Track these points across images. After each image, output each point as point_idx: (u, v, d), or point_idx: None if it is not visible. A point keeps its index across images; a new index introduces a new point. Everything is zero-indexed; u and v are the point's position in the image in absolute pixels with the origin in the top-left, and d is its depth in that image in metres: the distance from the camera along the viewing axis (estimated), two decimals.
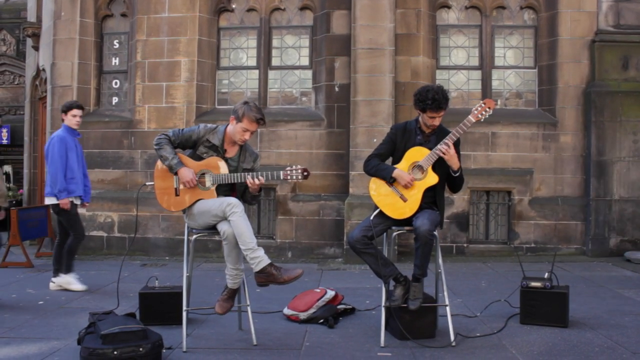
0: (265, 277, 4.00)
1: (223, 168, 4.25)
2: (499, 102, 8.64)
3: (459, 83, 8.81)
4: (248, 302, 4.36)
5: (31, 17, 10.96)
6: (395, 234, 4.54)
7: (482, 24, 8.78)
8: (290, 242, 8.51)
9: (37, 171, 10.65)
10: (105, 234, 8.82)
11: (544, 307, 4.64)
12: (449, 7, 8.81)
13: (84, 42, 9.09)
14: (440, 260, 4.37)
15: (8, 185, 11.62)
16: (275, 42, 8.96)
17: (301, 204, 8.51)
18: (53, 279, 6.25)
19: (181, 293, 4.40)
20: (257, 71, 8.95)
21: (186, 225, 4.39)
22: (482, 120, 4.36)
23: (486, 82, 8.75)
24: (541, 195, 8.46)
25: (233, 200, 4.09)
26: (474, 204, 8.64)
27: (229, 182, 4.23)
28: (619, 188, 8.28)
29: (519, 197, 8.45)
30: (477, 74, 8.79)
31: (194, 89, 8.73)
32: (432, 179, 4.28)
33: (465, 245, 8.46)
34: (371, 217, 4.31)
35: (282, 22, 8.99)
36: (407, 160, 4.32)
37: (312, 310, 4.87)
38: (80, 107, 6.32)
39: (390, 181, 4.30)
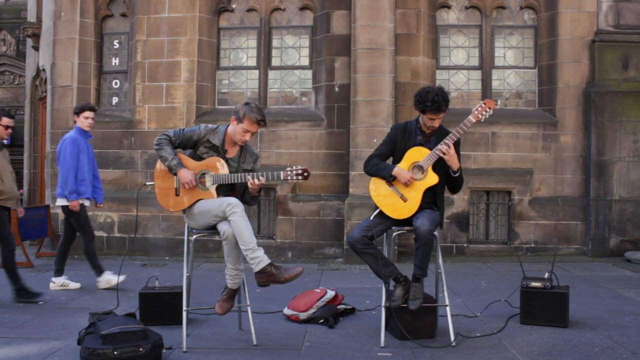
0: (265, 277, 4.00)
1: (223, 168, 4.25)
2: (499, 102, 8.64)
3: (459, 83, 8.81)
4: (248, 302, 4.36)
5: (31, 17, 10.97)
6: (395, 234, 4.54)
7: (482, 24, 8.78)
8: (291, 242, 8.51)
9: (37, 171, 10.67)
10: (105, 234, 8.82)
11: (544, 307, 4.64)
12: (449, 7, 8.81)
13: (84, 42, 9.09)
14: (440, 261, 4.37)
15: None
16: (275, 42, 8.97)
17: (301, 204, 8.51)
18: (53, 279, 6.26)
19: (181, 293, 4.40)
20: (257, 71, 8.95)
21: (186, 225, 4.39)
22: (482, 120, 4.36)
23: (486, 82, 8.75)
24: (541, 195, 8.46)
25: (233, 200, 4.09)
26: (474, 204, 8.64)
27: (229, 182, 4.23)
28: (619, 188, 8.28)
29: (519, 197, 8.45)
30: (477, 74, 8.79)
31: (194, 89, 8.73)
32: (432, 179, 4.29)
33: (465, 245, 8.46)
34: (371, 217, 4.31)
35: (282, 22, 8.99)
36: (407, 160, 4.32)
37: (312, 311, 4.87)
38: (92, 109, 6.37)
39: (390, 180, 4.30)
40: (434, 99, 4.15)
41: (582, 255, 8.29)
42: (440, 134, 4.35)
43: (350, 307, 5.17)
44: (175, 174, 4.24)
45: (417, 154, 4.30)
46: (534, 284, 4.69)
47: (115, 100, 9.29)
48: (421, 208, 4.27)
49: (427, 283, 4.43)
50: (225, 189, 4.32)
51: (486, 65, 8.76)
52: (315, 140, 8.57)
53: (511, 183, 8.47)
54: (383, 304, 4.33)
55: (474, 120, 4.29)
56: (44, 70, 9.86)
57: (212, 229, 4.22)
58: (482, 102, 4.37)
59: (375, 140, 7.70)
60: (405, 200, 4.27)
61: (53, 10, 9.16)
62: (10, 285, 5.66)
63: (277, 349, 4.18)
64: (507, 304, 5.23)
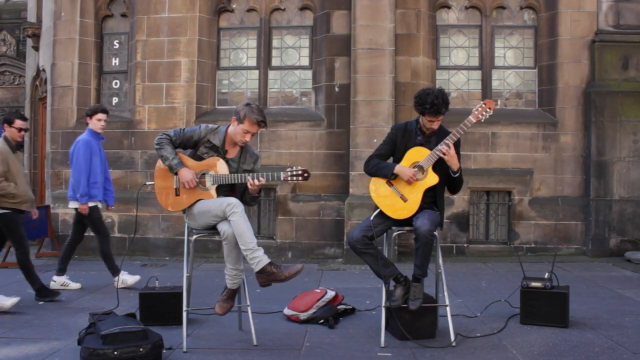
0: (266, 277, 4.01)
1: (223, 168, 4.25)
2: (499, 102, 8.64)
3: (459, 83, 8.81)
4: (248, 303, 4.36)
5: (31, 17, 10.97)
6: (395, 234, 4.55)
7: (482, 24, 8.78)
8: (291, 242, 8.51)
9: (37, 171, 10.65)
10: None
11: (544, 307, 4.64)
12: (449, 7, 8.81)
13: (84, 43, 9.09)
14: (440, 261, 4.37)
15: None
16: (275, 42, 8.97)
17: (301, 204, 8.51)
18: (55, 278, 6.28)
19: (181, 293, 4.40)
20: (257, 71, 8.95)
21: (186, 225, 4.39)
22: (482, 120, 4.36)
23: (486, 82, 8.75)
24: (541, 196, 8.46)
25: (233, 200, 4.09)
26: (474, 204, 8.64)
27: (230, 182, 4.23)
28: (619, 188, 8.28)
29: (519, 197, 8.45)
30: (477, 74, 8.79)
31: (194, 89, 8.73)
32: (432, 179, 4.29)
33: (465, 245, 8.46)
34: (371, 217, 4.31)
35: (282, 22, 8.99)
36: (407, 160, 4.32)
37: (312, 311, 4.87)
38: (105, 111, 6.37)
39: (392, 178, 4.30)
40: (432, 102, 4.15)
41: (582, 255, 8.29)
42: (440, 134, 4.35)
43: (351, 307, 5.17)
44: (176, 174, 4.24)
45: (417, 154, 4.30)
46: (534, 284, 4.69)
47: (115, 100, 9.29)
48: (421, 208, 4.28)
49: (427, 283, 4.43)
50: (225, 189, 4.32)
51: (486, 65, 8.76)
52: (315, 141, 8.57)
53: (511, 183, 8.47)
54: (383, 304, 4.33)
55: (474, 121, 4.29)
56: (44, 70, 9.85)
57: (212, 229, 4.22)
58: (482, 102, 4.37)
59: (375, 140, 7.70)
60: (405, 200, 4.27)
61: (53, 10, 9.16)
62: (30, 285, 5.74)
63: (277, 349, 4.18)
64: (507, 304, 5.23)
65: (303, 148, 8.57)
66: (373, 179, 4.39)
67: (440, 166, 4.28)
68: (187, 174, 4.20)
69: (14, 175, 5.57)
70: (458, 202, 8.39)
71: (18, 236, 5.64)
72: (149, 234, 8.71)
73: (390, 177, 4.30)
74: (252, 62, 8.99)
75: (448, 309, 4.32)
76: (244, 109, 4.23)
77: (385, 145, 4.47)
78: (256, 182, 4.17)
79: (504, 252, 8.40)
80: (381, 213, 4.33)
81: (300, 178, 4.20)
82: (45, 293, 5.73)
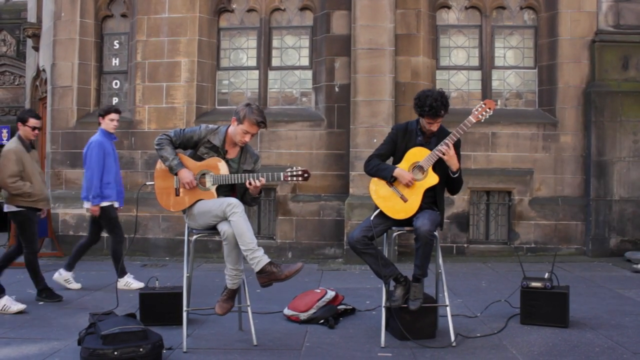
0: (266, 277, 4.01)
1: (223, 169, 4.25)
2: (499, 102, 8.64)
3: (459, 83, 8.81)
4: (248, 303, 4.36)
5: (31, 17, 10.97)
6: (395, 234, 4.55)
7: (482, 24, 8.78)
8: (291, 242, 8.51)
9: None
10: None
11: (544, 307, 4.64)
12: (449, 7, 8.81)
13: (84, 43, 9.09)
14: (440, 261, 4.37)
15: None
16: (275, 43, 8.97)
17: (301, 205, 8.51)
18: (61, 271, 6.32)
19: (181, 293, 4.40)
20: (257, 71, 8.95)
21: (186, 225, 4.39)
22: (482, 120, 4.37)
23: (486, 82, 8.75)
24: (541, 196, 8.46)
25: (233, 200, 4.09)
26: (474, 204, 8.64)
27: (230, 183, 4.24)
28: (619, 188, 8.28)
29: (519, 197, 8.45)
30: (477, 74, 8.79)
31: (194, 90, 8.73)
32: (432, 179, 4.29)
33: (465, 245, 8.46)
34: (371, 218, 4.32)
35: (282, 22, 8.99)
36: (407, 160, 4.32)
37: (312, 311, 4.87)
38: (117, 111, 6.38)
39: (391, 180, 4.31)
40: (431, 104, 4.16)
41: (582, 255, 8.29)
42: (440, 134, 4.35)
43: (351, 307, 5.17)
44: (176, 174, 4.24)
45: (418, 154, 4.30)
46: (534, 284, 4.69)
47: (115, 100, 9.28)
48: (421, 208, 4.28)
49: (427, 283, 4.43)
50: (225, 190, 4.32)
51: (486, 65, 8.76)
52: (315, 141, 8.57)
53: (511, 183, 8.47)
54: (383, 304, 4.33)
55: (474, 121, 4.30)
56: (44, 70, 9.86)
57: (212, 229, 4.22)
58: (482, 102, 4.37)
59: (375, 140, 7.70)
60: (405, 200, 4.27)
61: (53, 10, 9.17)
62: (34, 285, 5.75)
63: (277, 349, 4.18)
64: (508, 304, 5.22)
65: (303, 148, 8.57)
66: (373, 179, 4.39)
67: (440, 166, 4.29)
68: (187, 175, 4.20)
69: (29, 174, 5.58)
70: (458, 202, 8.38)
71: (30, 234, 5.65)
72: (149, 234, 8.71)
73: (390, 180, 4.31)
74: (252, 62, 8.99)
75: (448, 309, 4.32)
76: (244, 109, 4.24)
77: (385, 145, 4.47)
78: (257, 182, 4.17)
79: (504, 252, 8.40)
80: (381, 213, 4.33)
81: (300, 178, 4.20)
82: (48, 295, 5.73)
